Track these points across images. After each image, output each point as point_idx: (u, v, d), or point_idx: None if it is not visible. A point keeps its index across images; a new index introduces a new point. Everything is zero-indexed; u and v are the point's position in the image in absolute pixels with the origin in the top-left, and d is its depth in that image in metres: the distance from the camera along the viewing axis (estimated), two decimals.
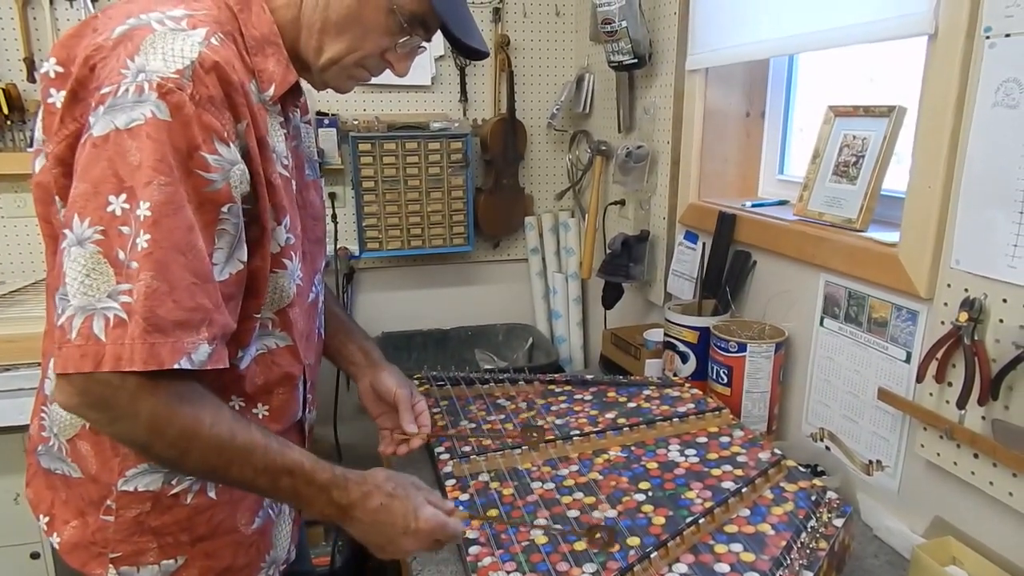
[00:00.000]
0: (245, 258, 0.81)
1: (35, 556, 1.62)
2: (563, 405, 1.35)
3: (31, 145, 1.89)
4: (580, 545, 0.94)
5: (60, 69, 0.81)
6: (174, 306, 0.71)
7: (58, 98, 0.80)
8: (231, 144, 0.77)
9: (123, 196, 0.71)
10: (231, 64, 0.78)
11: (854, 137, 1.27)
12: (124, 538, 0.88)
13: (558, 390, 1.42)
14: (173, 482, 0.88)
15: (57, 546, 0.92)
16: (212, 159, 0.75)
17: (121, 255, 0.71)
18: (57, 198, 0.81)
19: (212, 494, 0.90)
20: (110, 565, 0.88)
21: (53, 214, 0.84)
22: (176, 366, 0.71)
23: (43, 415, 0.94)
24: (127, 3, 0.82)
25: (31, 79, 1.89)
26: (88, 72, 0.77)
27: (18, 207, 1.97)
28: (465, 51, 0.95)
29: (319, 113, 2.08)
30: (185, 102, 0.73)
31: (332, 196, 2.18)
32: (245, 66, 0.82)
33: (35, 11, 1.87)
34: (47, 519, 0.94)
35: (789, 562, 0.86)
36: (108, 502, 0.88)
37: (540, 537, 0.96)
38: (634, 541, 0.94)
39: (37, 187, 0.85)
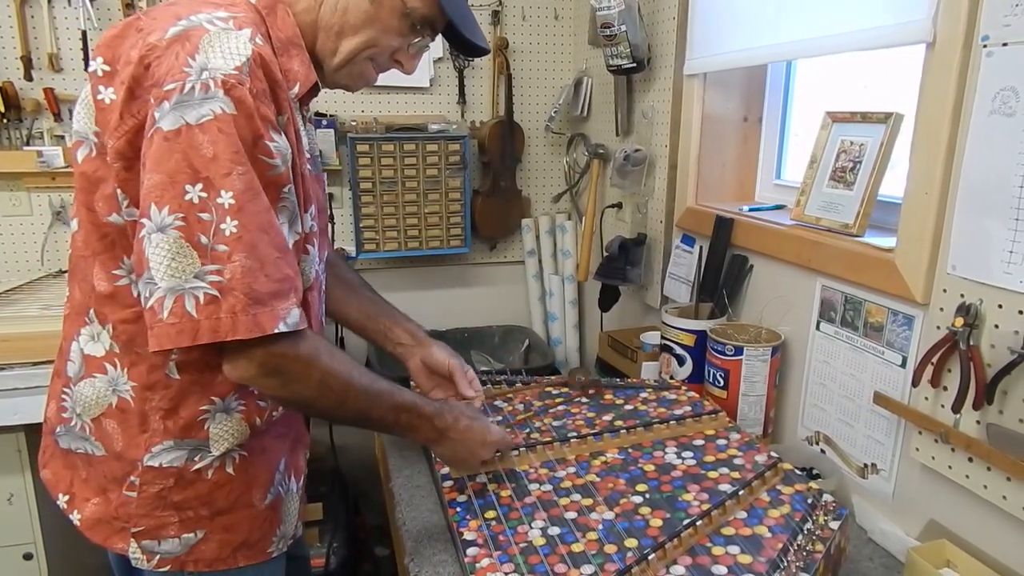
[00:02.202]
0: (300, 229, 0.90)
1: (28, 557, 1.61)
2: (560, 407, 1.35)
3: (28, 143, 1.90)
4: (578, 547, 0.94)
5: (107, 68, 0.85)
6: (266, 280, 0.79)
7: (107, 95, 0.84)
8: (281, 132, 0.83)
9: (199, 185, 0.76)
10: (273, 62, 0.83)
11: (851, 143, 1.28)
12: (147, 513, 0.92)
13: (555, 392, 1.42)
14: (196, 458, 0.92)
15: (78, 523, 0.96)
16: (272, 146, 0.81)
17: (203, 239, 0.77)
18: (119, 190, 0.84)
19: (230, 470, 0.94)
20: (132, 539, 0.92)
21: (97, 201, 0.87)
22: (276, 330, 0.79)
23: (64, 397, 0.97)
24: (170, 5, 0.87)
25: (28, 77, 1.88)
26: (143, 70, 0.80)
27: (13, 206, 1.96)
28: (470, 49, 1.00)
29: (317, 114, 2.08)
30: (246, 96, 0.78)
31: (329, 197, 2.18)
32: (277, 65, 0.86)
33: (33, 10, 1.87)
34: (67, 497, 0.98)
35: (786, 564, 0.87)
36: (132, 478, 0.92)
37: (538, 538, 0.96)
38: (631, 543, 0.94)
39: (81, 176, 0.89)
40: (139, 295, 0.86)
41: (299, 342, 0.83)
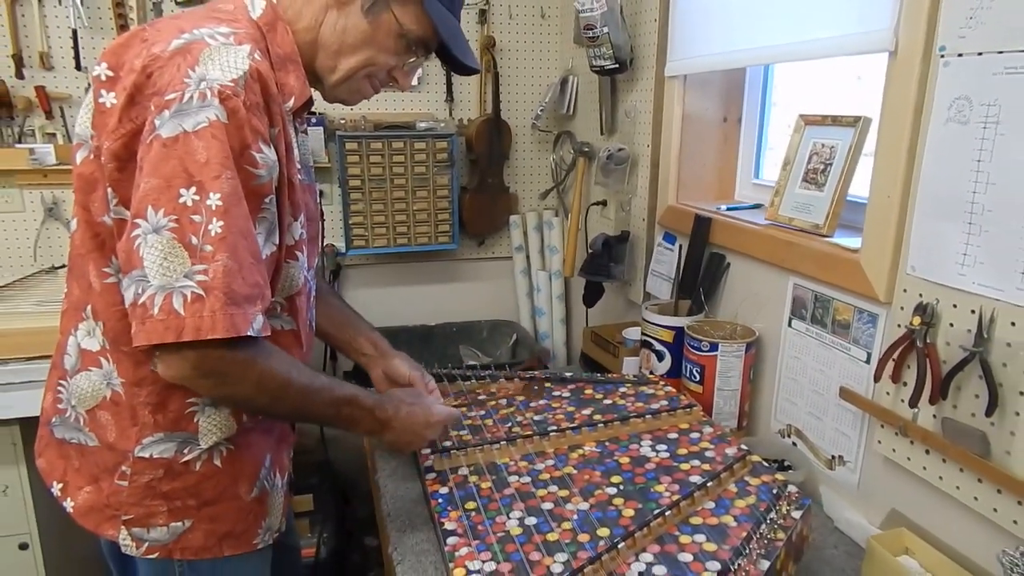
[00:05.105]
0: (277, 242, 0.93)
1: (23, 547, 1.65)
2: (542, 401, 1.39)
3: (20, 140, 1.93)
4: (552, 536, 0.98)
5: (111, 73, 0.89)
6: (243, 282, 0.83)
7: (108, 99, 0.88)
8: (270, 145, 0.88)
9: (193, 189, 0.81)
10: (270, 76, 0.88)
11: (822, 145, 1.32)
12: (137, 502, 0.96)
13: (537, 387, 1.46)
14: (185, 450, 0.96)
15: (71, 510, 1.00)
16: (259, 157, 0.86)
17: (194, 240, 0.81)
18: (109, 189, 0.88)
19: (218, 462, 0.98)
20: (122, 527, 0.96)
21: (93, 202, 0.92)
22: (247, 333, 0.83)
23: (60, 388, 1.01)
24: (174, 18, 0.92)
25: (19, 76, 1.90)
26: (145, 79, 0.85)
27: (6, 203, 1.98)
28: (461, 68, 1.06)
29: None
30: (240, 107, 0.83)
31: (320, 194, 2.20)
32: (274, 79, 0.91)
33: (24, 8, 1.89)
34: (60, 485, 1.02)
35: (748, 551, 0.91)
36: (123, 468, 0.96)
37: (515, 528, 1.01)
38: (604, 532, 0.98)
39: (79, 177, 0.93)
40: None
41: (238, 345, 0.84)
